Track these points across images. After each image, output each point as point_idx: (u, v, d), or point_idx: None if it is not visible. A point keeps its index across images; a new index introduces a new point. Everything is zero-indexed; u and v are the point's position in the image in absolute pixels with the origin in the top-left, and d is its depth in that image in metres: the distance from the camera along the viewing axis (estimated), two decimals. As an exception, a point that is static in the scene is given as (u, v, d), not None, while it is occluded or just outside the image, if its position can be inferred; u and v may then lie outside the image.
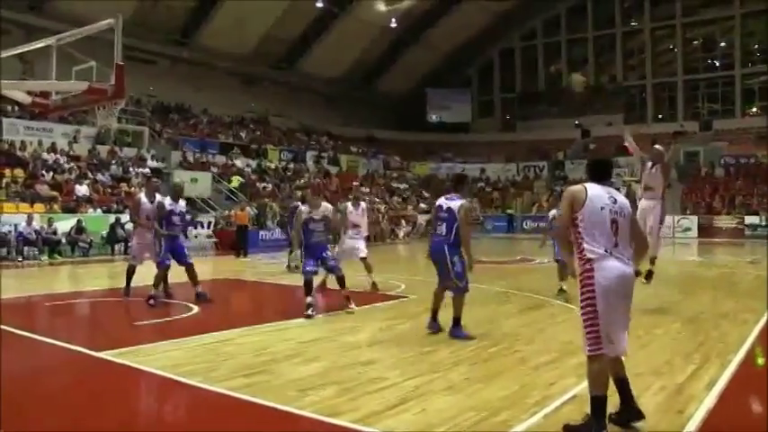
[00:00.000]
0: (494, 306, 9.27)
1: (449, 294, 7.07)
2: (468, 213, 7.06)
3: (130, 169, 24.40)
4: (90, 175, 22.60)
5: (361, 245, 11.04)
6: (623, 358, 4.24)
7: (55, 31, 8.80)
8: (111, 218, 19.70)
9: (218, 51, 33.69)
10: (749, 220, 29.39)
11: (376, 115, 44.51)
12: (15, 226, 17.39)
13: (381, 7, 36.27)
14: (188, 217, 10.19)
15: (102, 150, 24.98)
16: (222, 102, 34.79)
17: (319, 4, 34.75)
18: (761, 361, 6.34)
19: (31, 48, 8.72)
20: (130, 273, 9.96)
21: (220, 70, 34.90)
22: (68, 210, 19.70)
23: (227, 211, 23.57)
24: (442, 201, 7.16)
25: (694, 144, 35.95)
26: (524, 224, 34.22)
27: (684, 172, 33.53)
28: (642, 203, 9.01)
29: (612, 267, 3.98)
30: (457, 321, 6.93)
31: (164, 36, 32.51)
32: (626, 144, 9.80)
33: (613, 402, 4.13)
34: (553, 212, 10.39)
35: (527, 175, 39.82)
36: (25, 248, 17.25)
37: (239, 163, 30.39)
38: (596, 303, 3.96)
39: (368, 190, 33.55)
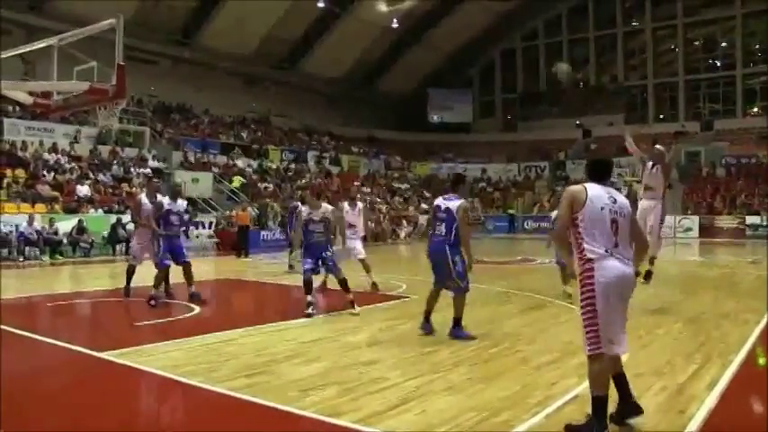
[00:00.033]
0: (495, 306, 9.26)
1: (449, 295, 7.06)
2: (466, 213, 7.05)
3: (132, 169, 24.41)
4: (91, 175, 22.62)
5: (358, 245, 11.04)
6: (623, 358, 4.23)
7: (56, 32, 8.79)
8: (113, 218, 19.73)
9: (219, 51, 33.71)
10: (750, 220, 29.39)
11: (377, 115, 44.55)
12: (17, 226, 17.41)
13: (383, 7, 36.28)
14: (186, 217, 10.16)
15: (104, 151, 25.01)
16: (223, 102, 34.82)
17: (321, 5, 34.76)
18: (762, 361, 6.34)
19: (33, 48, 8.71)
20: (130, 273, 9.97)
21: (222, 70, 34.92)
22: (70, 210, 19.72)
23: (228, 212, 23.59)
24: (440, 201, 7.15)
25: (695, 144, 35.94)
26: (525, 224, 34.29)
27: (686, 172, 33.53)
28: (642, 203, 9.00)
29: (612, 267, 3.98)
30: (458, 322, 6.92)
31: (165, 36, 32.53)
32: (626, 144, 9.79)
33: (615, 401, 4.13)
34: (556, 213, 10.33)
35: (528, 175, 39.87)
36: (26, 249, 17.27)
37: (240, 163, 30.41)
38: (596, 303, 3.96)
39: (369, 190, 33.60)
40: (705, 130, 37.94)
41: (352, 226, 10.92)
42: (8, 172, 20.14)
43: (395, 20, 37.64)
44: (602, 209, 4.05)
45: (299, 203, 11.60)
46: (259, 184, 28.84)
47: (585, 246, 4.03)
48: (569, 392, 4.82)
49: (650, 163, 9.11)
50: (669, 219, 22.24)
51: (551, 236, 10.59)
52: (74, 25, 9.20)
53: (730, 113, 39.50)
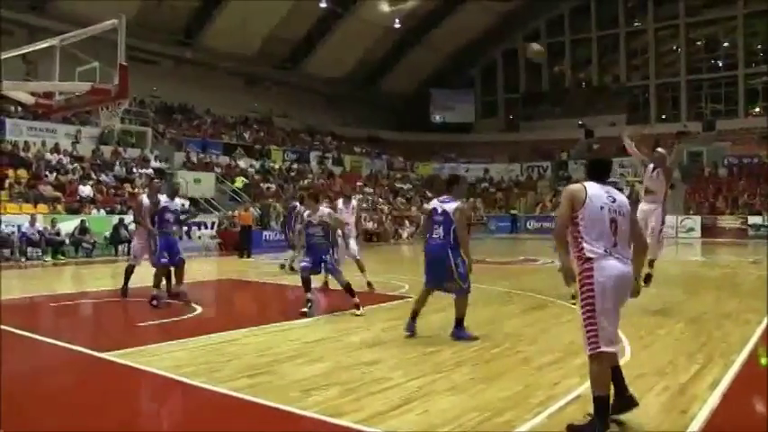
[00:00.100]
0: (497, 306, 9.26)
1: (451, 296, 7.05)
2: (463, 215, 7.04)
3: (134, 170, 24.45)
4: (93, 175, 22.66)
5: (352, 243, 11.04)
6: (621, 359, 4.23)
7: (57, 32, 8.79)
8: (115, 218, 19.75)
9: (221, 52, 33.72)
10: (752, 220, 29.35)
11: (379, 116, 44.54)
12: (19, 227, 17.45)
13: (385, 8, 36.29)
14: (182, 216, 10.10)
15: (106, 151, 25.04)
16: (226, 102, 34.85)
17: (323, 5, 34.75)
18: (764, 361, 6.33)
19: (35, 48, 8.72)
20: (129, 272, 9.95)
21: (224, 71, 34.92)
22: (72, 210, 19.76)
23: (230, 212, 23.59)
24: (435, 204, 7.12)
25: (697, 144, 35.92)
26: (528, 224, 34.29)
27: (688, 172, 33.53)
28: (642, 206, 8.94)
29: (612, 267, 3.99)
30: (460, 322, 6.92)
31: (167, 36, 32.56)
32: (625, 145, 9.73)
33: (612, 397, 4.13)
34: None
35: (530, 175, 39.86)
36: (28, 249, 17.31)
37: (243, 163, 30.43)
38: (595, 303, 3.97)
39: (372, 190, 33.62)
40: (707, 131, 37.90)
41: (345, 224, 10.93)
42: (10, 172, 20.17)
43: (397, 20, 37.61)
44: (601, 208, 4.06)
45: (298, 204, 11.59)
46: (261, 185, 28.86)
47: (585, 245, 4.03)
48: (571, 392, 4.82)
49: (651, 166, 9.07)
50: (671, 219, 22.23)
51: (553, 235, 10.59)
52: (76, 25, 9.20)
53: (732, 114, 39.42)
